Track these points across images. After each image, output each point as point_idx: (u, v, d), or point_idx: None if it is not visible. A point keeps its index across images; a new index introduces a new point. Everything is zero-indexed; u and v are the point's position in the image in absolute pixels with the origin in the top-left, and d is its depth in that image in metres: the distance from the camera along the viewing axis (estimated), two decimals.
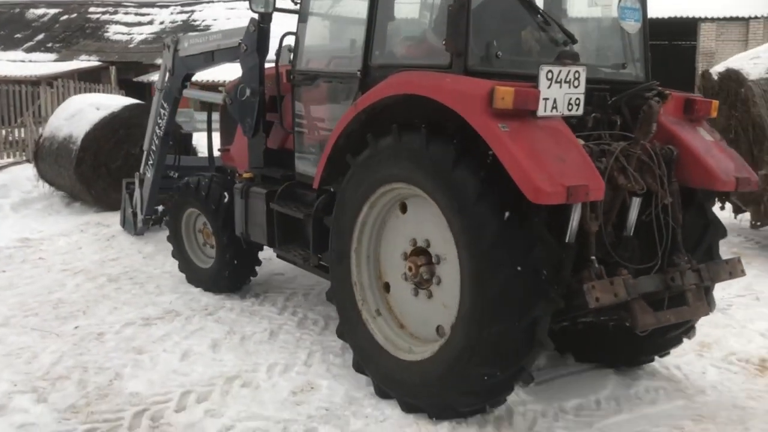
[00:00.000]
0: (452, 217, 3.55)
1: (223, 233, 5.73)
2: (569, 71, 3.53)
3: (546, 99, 3.45)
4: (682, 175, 3.93)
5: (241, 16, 27.52)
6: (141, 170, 7.52)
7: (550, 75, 3.46)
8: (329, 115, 4.83)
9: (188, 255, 6.26)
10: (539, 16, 3.99)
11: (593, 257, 3.59)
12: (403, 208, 4.06)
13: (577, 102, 3.61)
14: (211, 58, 6.37)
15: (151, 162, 7.34)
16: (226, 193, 5.73)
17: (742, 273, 4.10)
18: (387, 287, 4.26)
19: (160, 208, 7.74)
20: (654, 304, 3.71)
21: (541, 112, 3.46)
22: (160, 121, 7.13)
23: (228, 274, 5.87)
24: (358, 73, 4.33)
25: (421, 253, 3.95)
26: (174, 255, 6.40)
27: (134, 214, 7.75)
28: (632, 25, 4.27)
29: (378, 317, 4.20)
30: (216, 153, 6.84)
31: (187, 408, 4.01)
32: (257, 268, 6.11)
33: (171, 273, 6.64)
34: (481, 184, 3.43)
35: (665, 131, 4.02)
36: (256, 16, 5.42)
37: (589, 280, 3.47)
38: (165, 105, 7.05)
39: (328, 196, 4.50)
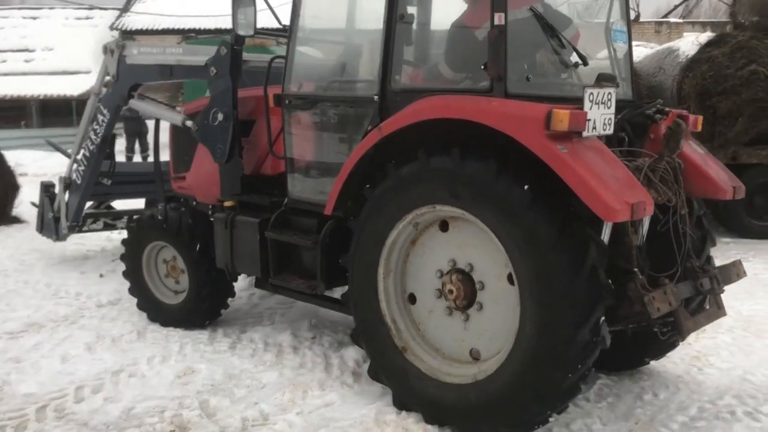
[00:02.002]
0: (502, 229, 3.59)
1: (200, 267, 5.50)
2: (604, 92, 3.69)
3: (589, 120, 3.56)
4: (685, 186, 4.11)
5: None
6: (66, 174, 7.23)
7: (591, 97, 3.59)
8: (337, 139, 4.70)
9: (151, 291, 5.92)
10: (556, 38, 4.09)
11: (636, 269, 3.72)
12: (444, 227, 4.05)
13: (609, 122, 3.75)
14: (168, 72, 6.07)
15: (82, 168, 7.01)
16: (191, 222, 5.57)
17: (745, 274, 4.40)
18: (412, 299, 4.26)
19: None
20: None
21: (586, 133, 3.56)
22: (96, 127, 6.76)
23: (205, 309, 5.67)
24: (375, 97, 4.26)
25: (459, 274, 3.98)
26: (132, 292, 6.02)
27: (56, 219, 7.40)
28: (621, 47, 4.51)
29: (413, 343, 4.19)
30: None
31: (86, 399, 4.49)
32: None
33: (16, 291, 6.82)
34: (529, 191, 3.49)
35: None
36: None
37: (636, 291, 3.61)
38: (105, 112, 6.69)
39: (335, 221, 4.50)
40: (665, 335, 4.00)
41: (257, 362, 5.07)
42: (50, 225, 7.53)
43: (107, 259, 8.07)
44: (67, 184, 7.27)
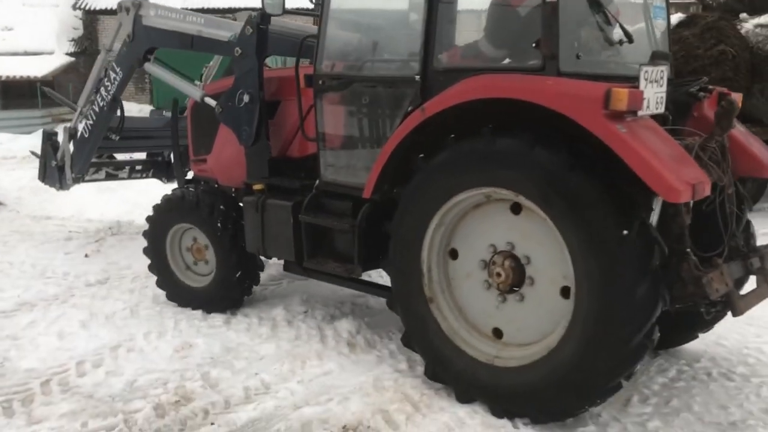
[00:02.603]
0: (566, 223, 3.51)
1: (230, 251, 5.43)
2: (658, 70, 3.63)
3: (644, 99, 3.51)
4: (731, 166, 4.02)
5: None
6: (72, 125, 7.12)
7: (647, 75, 3.55)
8: (374, 121, 4.59)
9: (175, 274, 5.85)
10: (602, 15, 3.99)
11: (688, 250, 3.62)
12: (516, 209, 3.89)
13: (662, 100, 3.69)
14: (189, 42, 5.77)
15: (90, 123, 6.83)
16: (223, 207, 5.47)
17: None
18: (453, 254, 4.20)
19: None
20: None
21: (641, 112, 3.49)
22: (108, 84, 6.51)
23: (232, 294, 5.63)
24: (417, 77, 4.16)
25: (513, 261, 3.90)
26: (152, 269, 5.95)
27: (59, 168, 7.28)
28: (661, 23, 4.43)
29: (441, 297, 4.18)
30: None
31: (88, 373, 4.58)
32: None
33: (2, 271, 6.84)
34: (601, 186, 3.42)
35: (710, 123, 4.07)
36: None
37: (690, 272, 3.55)
38: (118, 70, 6.41)
39: (371, 204, 4.45)
40: (710, 315, 4.02)
41: (253, 336, 5.20)
42: (54, 174, 7.40)
43: (91, 239, 8.08)
44: (72, 134, 7.11)
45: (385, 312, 4.86)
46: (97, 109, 6.75)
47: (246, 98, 5.16)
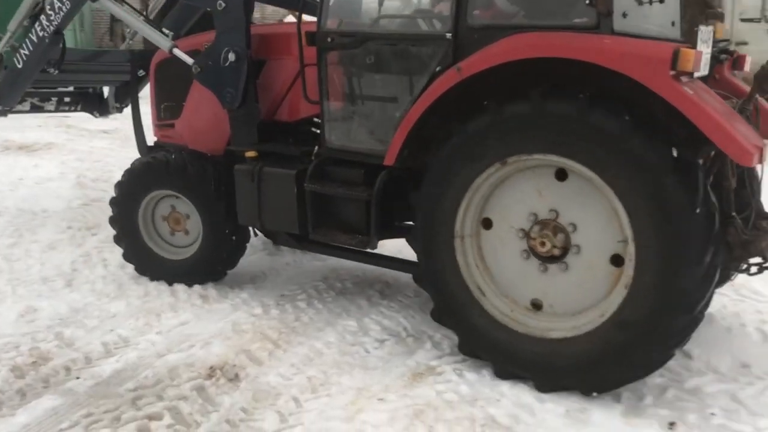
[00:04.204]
0: (629, 190, 3.36)
1: (225, 223, 5.03)
2: (707, 30, 3.53)
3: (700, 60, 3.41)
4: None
5: None
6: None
7: (702, 35, 3.46)
8: (395, 83, 4.28)
9: (148, 246, 5.37)
10: None
11: (734, 214, 3.60)
12: (561, 176, 3.67)
13: (707, 61, 3.62)
14: None
15: (25, 53, 5.87)
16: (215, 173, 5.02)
17: None
18: (487, 224, 3.95)
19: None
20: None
21: (697, 74, 3.41)
22: (51, 13, 5.64)
23: (219, 268, 5.30)
24: (448, 35, 3.84)
25: (559, 231, 3.72)
26: (126, 251, 5.46)
27: None
28: None
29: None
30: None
31: None
32: None
33: None
34: (665, 150, 3.28)
35: (733, 86, 4.10)
36: None
37: (737, 236, 3.56)
38: (65, 0, 5.58)
39: (388, 171, 4.17)
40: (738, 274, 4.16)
41: (100, 295, 5.20)
42: None
43: None
44: None
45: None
46: (35, 40, 5.92)
47: (231, 57, 4.75)
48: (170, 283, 5.29)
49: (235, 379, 4.01)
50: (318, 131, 4.97)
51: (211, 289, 5.28)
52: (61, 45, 5.96)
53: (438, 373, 4.04)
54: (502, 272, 3.94)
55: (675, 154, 3.28)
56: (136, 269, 5.48)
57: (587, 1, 3.51)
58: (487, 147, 3.70)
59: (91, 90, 7.36)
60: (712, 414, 3.62)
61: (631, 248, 3.45)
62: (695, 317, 3.46)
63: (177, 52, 5.03)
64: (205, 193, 5.04)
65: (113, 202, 5.42)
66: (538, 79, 3.52)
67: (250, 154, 4.82)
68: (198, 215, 5.13)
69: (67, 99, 7.30)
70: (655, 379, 3.90)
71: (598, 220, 3.60)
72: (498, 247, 3.93)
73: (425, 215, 3.99)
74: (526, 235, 3.81)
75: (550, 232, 3.71)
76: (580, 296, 3.74)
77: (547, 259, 3.77)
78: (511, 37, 3.60)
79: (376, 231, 4.25)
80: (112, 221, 5.47)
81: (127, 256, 5.50)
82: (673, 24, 4.17)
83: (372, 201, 4.18)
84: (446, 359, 4.21)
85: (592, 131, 3.38)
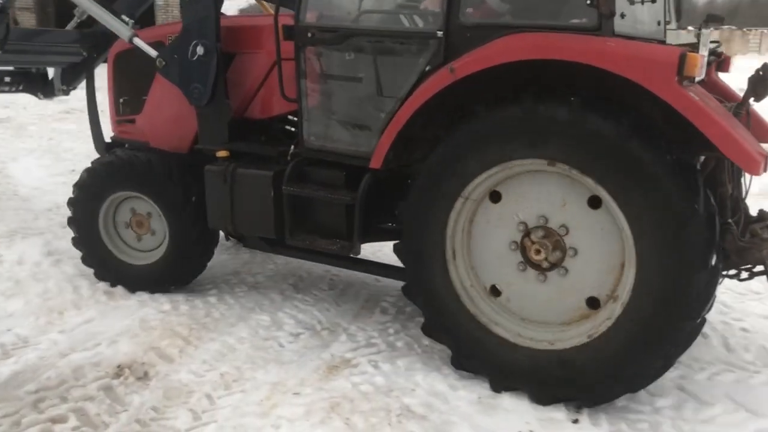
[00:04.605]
0: (628, 196, 3.25)
1: (187, 225, 4.70)
2: (707, 34, 3.44)
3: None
4: None
5: None
6: None
7: (703, 39, 3.39)
8: (380, 82, 4.04)
9: (107, 248, 4.99)
10: None
11: (730, 221, 3.55)
12: (495, 197, 3.68)
13: (704, 65, 3.50)
14: None
15: None
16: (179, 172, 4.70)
17: None
18: (495, 291, 3.83)
19: None
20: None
21: (697, 78, 3.31)
22: None
23: (185, 272, 4.96)
24: (439, 33, 3.65)
25: (537, 232, 3.62)
26: (84, 255, 5.08)
27: None
28: None
29: (499, 319, 3.80)
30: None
31: None
32: None
33: None
34: (664, 156, 3.19)
35: (720, 89, 4.07)
36: None
37: (733, 243, 3.49)
38: None
39: (373, 174, 3.96)
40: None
41: None
42: None
43: None
44: None
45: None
46: None
47: (200, 50, 4.46)
48: (133, 291, 4.98)
49: (144, 377, 3.89)
50: (292, 129, 4.83)
51: (117, 287, 5.09)
52: (5, 24, 5.52)
53: (353, 365, 4.05)
54: (540, 309, 3.75)
55: (674, 157, 3.21)
56: (96, 275, 5.11)
57: (588, 2, 3.38)
58: (478, 153, 3.57)
59: (34, 70, 6.78)
60: None
61: (629, 257, 3.38)
62: (697, 326, 3.38)
63: (138, 41, 4.75)
64: (172, 195, 4.71)
65: (72, 203, 5.04)
66: (529, 81, 3.43)
67: (222, 153, 4.54)
68: (163, 218, 4.80)
69: (7, 79, 6.68)
70: None
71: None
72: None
73: (413, 224, 3.84)
74: (526, 232, 3.67)
75: (550, 245, 3.60)
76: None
77: (531, 264, 3.69)
78: (509, 37, 3.47)
79: (359, 236, 4.07)
80: (71, 222, 5.09)
81: (86, 260, 5.12)
82: (658, 24, 4.12)
83: (356, 204, 3.99)
84: (361, 351, 4.23)
85: (590, 135, 3.28)
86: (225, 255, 5.82)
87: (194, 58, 4.48)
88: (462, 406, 3.66)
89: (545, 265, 3.64)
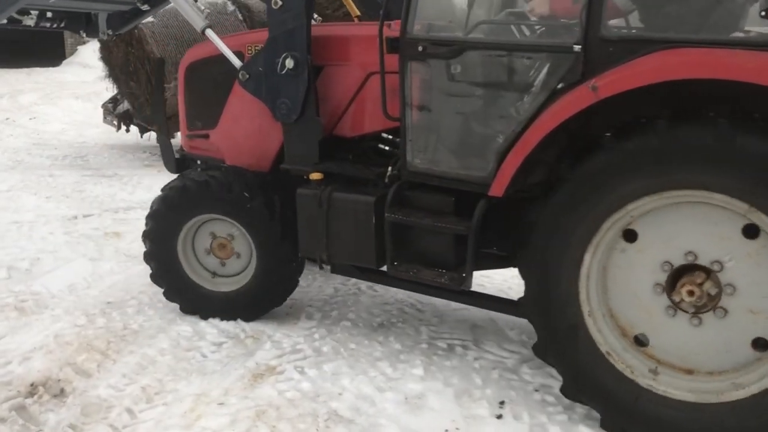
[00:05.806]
0: None
1: (277, 252, 4.39)
2: None
3: None
4: None
5: None
6: None
7: None
8: (501, 100, 3.71)
9: (191, 279, 4.64)
10: None
11: None
12: (630, 236, 3.31)
13: None
14: None
15: None
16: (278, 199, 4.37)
17: None
18: (639, 341, 3.42)
19: None
20: None
21: None
22: None
23: (270, 301, 4.65)
24: (577, 47, 3.26)
25: (686, 273, 3.24)
26: (167, 290, 4.70)
27: None
28: None
29: (657, 376, 3.37)
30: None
31: None
32: None
33: None
34: None
35: None
36: None
37: None
38: None
39: (486, 200, 3.61)
40: None
41: None
42: None
43: None
44: None
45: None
46: None
47: (290, 63, 4.15)
48: (221, 319, 4.68)
49: (60, 394, 3.75)
50: (385, 148, 4.61)
51: (28, 301, 4.89)
52: None
53: (279, 372, 4.03)
54: (698, 357, 3.32)
55: None
56: (182, 309, 4.76)
57: (762, 13, 2.97)
58: (616, 186, 3.22)
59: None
60: (535, 390, 3.91)
61: None
62: None
63: (210, 33, 4.46)
64: (264, 220, 4.37)
65: (147, 235, 4.66)
66: (663, 103, 3.13)
67: (316, 176, 4.21)
68: (251, 245, 4.50)
69: (49, 14, 6.28)
70: (480, 361, 4.18)
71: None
72: (673, 344, 3.35)
73: (541, 268, 3.49)
74: (664, 288, 3.30)
75: (697, 279, 3.20)
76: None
77: (709, 301, 3.23)
78: (665, 53, 3.08)
79: (471, 267, 3.72)
80: (147, 257, 4.71)
81: (168, 295, 4.78)
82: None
83: (470, 234, 3.64)
84: (287, 357, 4.21)
85: (743, 160, 2.94)
86: (141, 265, 5.65)
87: (283, 72, 4.20)
88: (389, 408, 3.70)
89: (700, 304, 3.22)
